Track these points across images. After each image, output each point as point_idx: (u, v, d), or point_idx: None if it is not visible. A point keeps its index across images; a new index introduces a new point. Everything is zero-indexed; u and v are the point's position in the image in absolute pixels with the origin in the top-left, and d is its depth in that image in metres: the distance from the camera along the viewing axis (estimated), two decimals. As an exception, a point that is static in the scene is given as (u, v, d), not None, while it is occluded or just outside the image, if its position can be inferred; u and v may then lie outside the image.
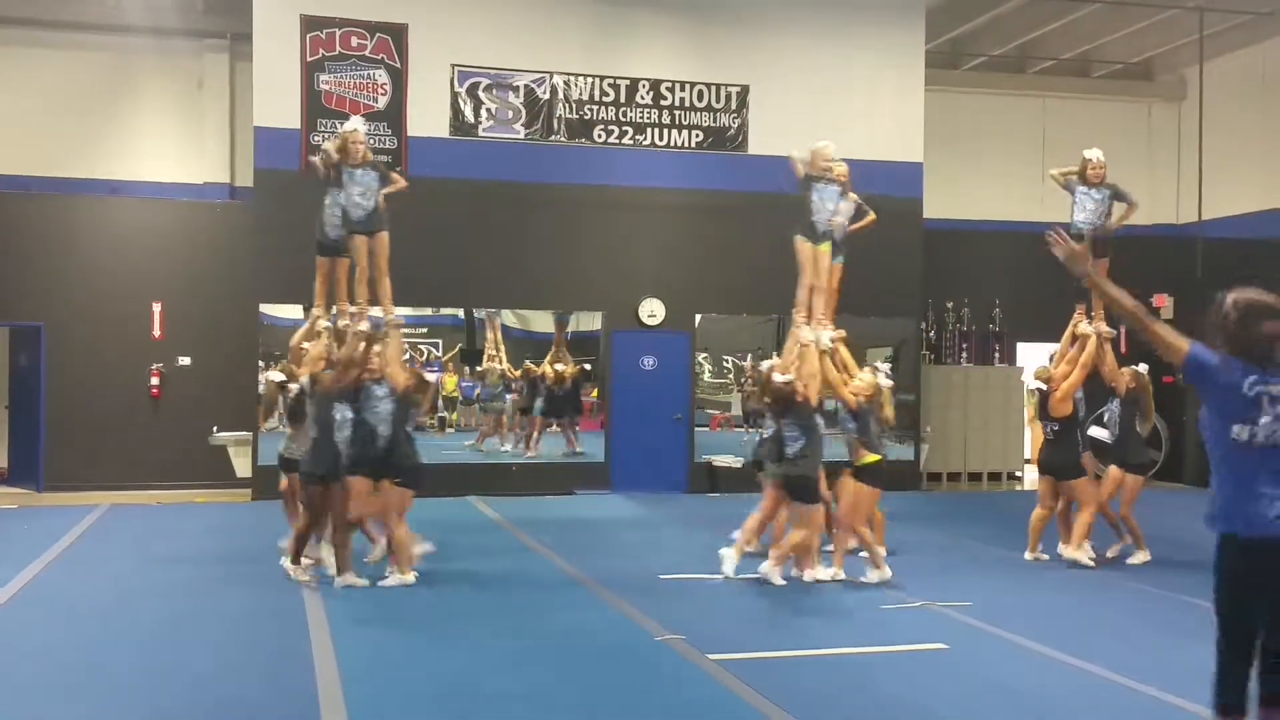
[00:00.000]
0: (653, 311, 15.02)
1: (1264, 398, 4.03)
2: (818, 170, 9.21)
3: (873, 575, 8.75)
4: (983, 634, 7.24)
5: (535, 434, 15.55)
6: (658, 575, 9.08)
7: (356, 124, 9.37)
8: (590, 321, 15.73)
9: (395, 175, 9.56)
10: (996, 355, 17.04)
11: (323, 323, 9.60)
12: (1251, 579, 4.02)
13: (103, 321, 14.39)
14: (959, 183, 17.50)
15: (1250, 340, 4.09)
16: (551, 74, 14.69)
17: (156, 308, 14.55)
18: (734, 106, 15.16)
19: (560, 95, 14.71)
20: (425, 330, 18.35)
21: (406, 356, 18.09)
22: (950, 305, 17.08)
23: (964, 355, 17.06)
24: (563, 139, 14.72)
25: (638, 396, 14.97)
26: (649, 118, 14.96)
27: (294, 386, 9.11)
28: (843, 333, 9.48)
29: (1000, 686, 6.11)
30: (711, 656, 6.54)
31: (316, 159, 9.54)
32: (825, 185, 9.23)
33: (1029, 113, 18.33)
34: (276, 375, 9.57)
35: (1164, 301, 16.45)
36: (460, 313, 16.72)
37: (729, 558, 8.82)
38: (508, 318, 16.65)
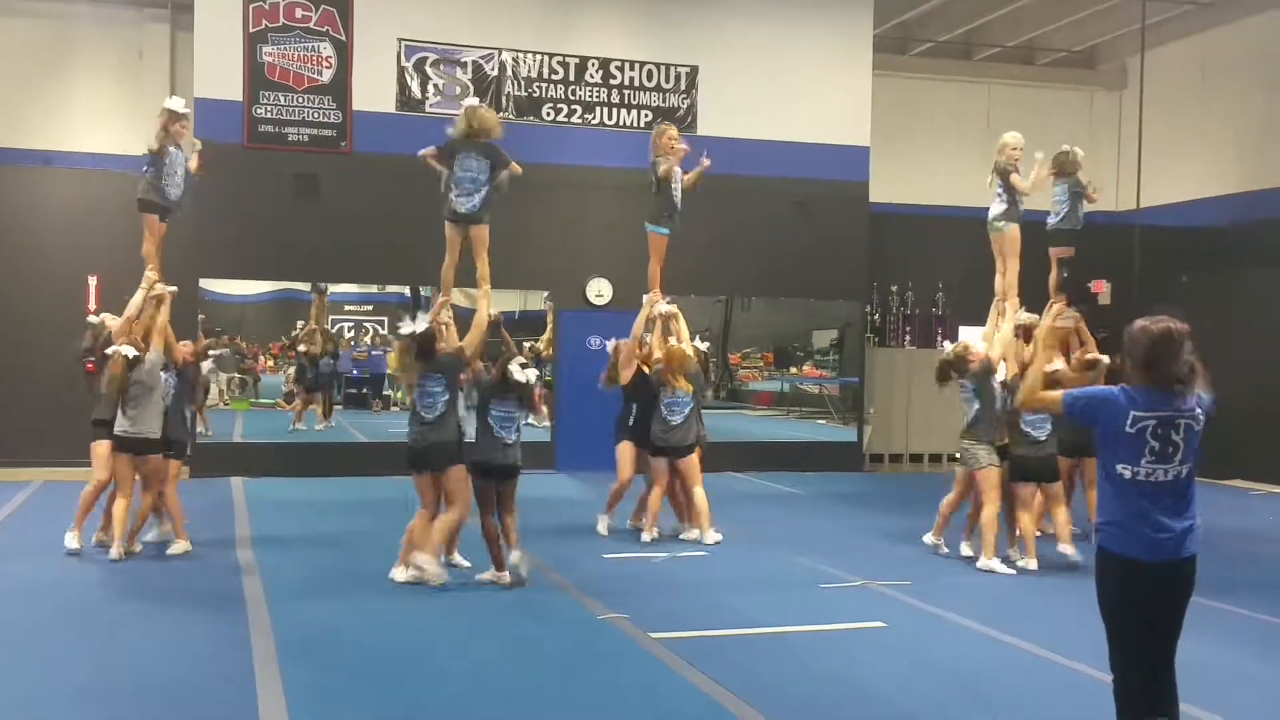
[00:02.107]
0: (600, 291, 14.99)
1: (1147, 430, 4.13)
2: (1009, 160, 9.67)
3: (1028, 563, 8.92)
4: (921, 613, 7.34)
5: None
6: (602, 555, 9.11)
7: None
8: (536, 301, 15.67)
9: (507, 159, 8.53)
10: (939, 338, 17.22)
11: (160, 286, 9.02)
12: (1154, 597, 4.19)
13: (37, 295, 14.05)
14: (905, 167, 17.63)
15: (1159, 369, 4.16)
16: (500, 50, 14.56)
17: (92, 281, 14.23)
18: (683, 87, 15.14)
19: (509, 72, 14.59)
20: (370, 308, 18.21)
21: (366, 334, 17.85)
22: (895, 288, 17.22)
23: (907, 338, 17.23)
24: (511, 116, 14.58)
25: (584, 376, 14.89)
26: (598, 96, 14.89)
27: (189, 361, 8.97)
28: (675, 309, 10.35)
29: (937, 664, 6.20)
30: (654, 635, 6.57)
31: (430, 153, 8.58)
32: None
33: (974, 99, 18.48)
34: (127, 349, 8.54)
35: (1102, 287, 16.70)
36: (406, 290, 16.59)
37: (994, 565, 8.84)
38: (457, 297, 16.52)
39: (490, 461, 7.91)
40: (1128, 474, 4.16)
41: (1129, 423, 4.13)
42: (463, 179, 8.43)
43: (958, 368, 9.05)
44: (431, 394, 7.89)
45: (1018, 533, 8.94)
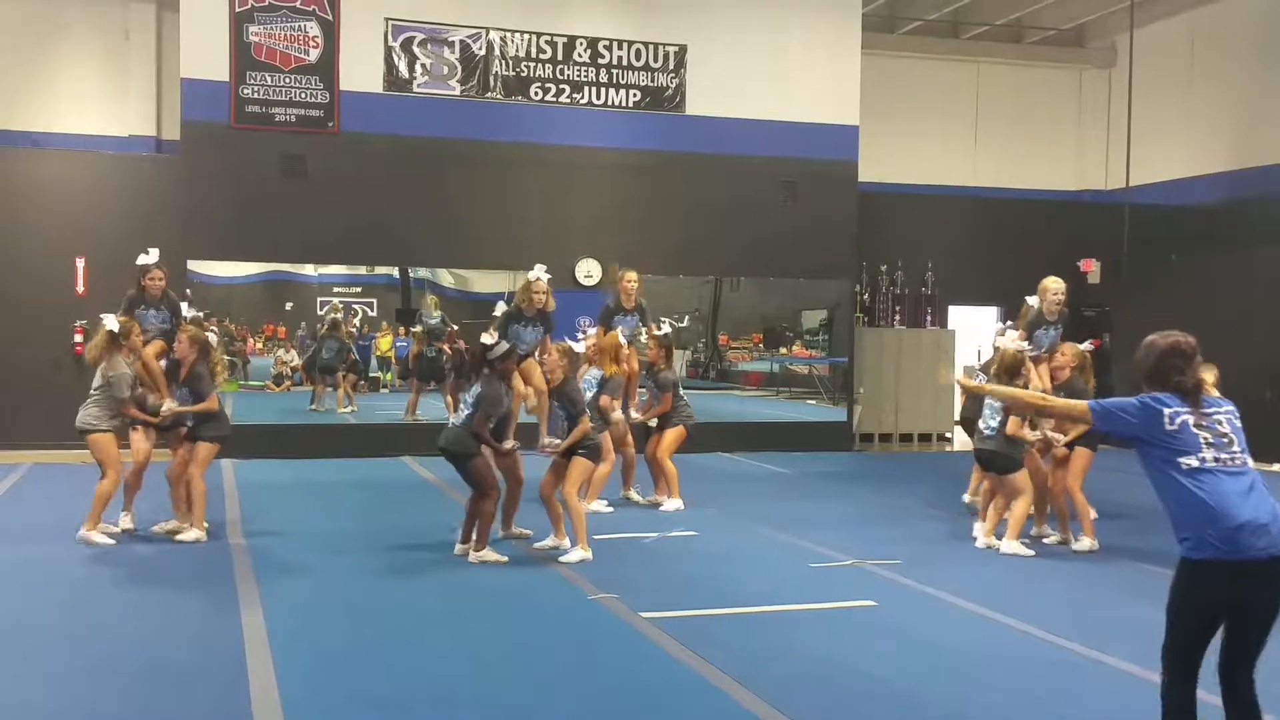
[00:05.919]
0: (589, 272, 14.97)
1: (1189, 423, 3.96)
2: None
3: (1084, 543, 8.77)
4: (911, 591, 7.37)
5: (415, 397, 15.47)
6: (591, 535, 9.10)
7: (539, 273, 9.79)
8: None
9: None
10: (929, 318, 17.25)
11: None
12: (1233, 598, 3.90)
13: (24, 277, 13.99)
14: (893, 146, 17.62)
15: (1168, 382, 4.06)
16: (488, 30, 14.48)
17: (80, 264, 14.18)
18: (671, 66, 15.08)
19: (496, 52, 14.51)
20: (359, 290, 18.15)
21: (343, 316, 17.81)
22: (884, 268, 17.24)
23: (897, 318, 17.25)
24: (499, 96, 14.54)
25: (573, 357, 14.90)
26: (586, 76, 14.83)
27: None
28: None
29: (926, 643, 6.23)
30: (644, 615, 6.58)
31: None
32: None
33: (963, 78, 18.48)
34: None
35: (1091, 266, 16.74)
36: (395, 272, 16.56)
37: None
38: (444, 278, 16.48)
39: None
40: (1194, 463, 3.90)
41: (1168, 420, 3.97)
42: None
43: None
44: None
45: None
